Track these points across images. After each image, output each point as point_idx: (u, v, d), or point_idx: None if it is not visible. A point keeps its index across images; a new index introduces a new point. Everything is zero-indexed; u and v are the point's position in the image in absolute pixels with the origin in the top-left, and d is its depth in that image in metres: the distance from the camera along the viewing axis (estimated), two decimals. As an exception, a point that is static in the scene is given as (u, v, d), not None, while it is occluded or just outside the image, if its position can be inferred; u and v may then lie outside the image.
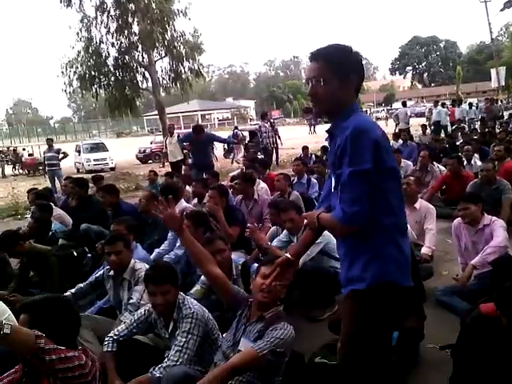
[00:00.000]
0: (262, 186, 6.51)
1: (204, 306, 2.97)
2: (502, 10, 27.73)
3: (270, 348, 2.25)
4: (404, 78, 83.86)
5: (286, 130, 23.83)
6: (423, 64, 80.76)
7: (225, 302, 2.64)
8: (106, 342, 2.72)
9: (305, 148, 11.82)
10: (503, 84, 29.53)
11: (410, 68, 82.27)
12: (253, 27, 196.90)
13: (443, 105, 18.45)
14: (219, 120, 62.52)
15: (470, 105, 19.70)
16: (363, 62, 1.97)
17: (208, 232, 4.09)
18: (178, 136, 11.19)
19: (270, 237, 4.62)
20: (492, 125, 14.67)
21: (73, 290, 3.58)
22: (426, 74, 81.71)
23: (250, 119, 57.03)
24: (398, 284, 1.81)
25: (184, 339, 2.50)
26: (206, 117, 63.81)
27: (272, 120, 12.23)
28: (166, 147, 11.15)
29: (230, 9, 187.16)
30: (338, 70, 1.81)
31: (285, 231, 4.29)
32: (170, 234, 4.66)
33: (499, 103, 20.72)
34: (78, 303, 3.53)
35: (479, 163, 7.43)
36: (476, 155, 7.99)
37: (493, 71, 28.19)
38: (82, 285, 3.63)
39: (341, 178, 1.75)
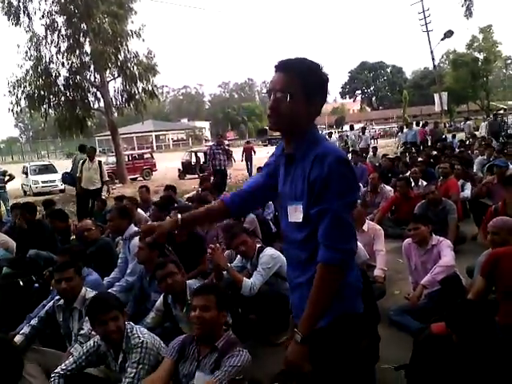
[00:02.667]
0: (217, 209, 6.48)
1: (159, 334, 2.89)
2: (442, 40, 29.37)
3: (229, 377, 2.23)
4: (354, 101, 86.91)
5: (240, 150, 24.05)
6: (371, 88, 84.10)
7: None
8: (52, 379, 2.57)
9: (259, 169, 11.91)
10: (445, 108, 31.19)
11: (360, 92, 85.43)
12: (207, 50, 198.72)
13: (418, 124, 20.06)
14: (174, 141, 62.18)
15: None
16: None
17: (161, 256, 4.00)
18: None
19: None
20: (437, 146, 15.34)
21: (25, 331, 3.28)
22: (374, 98, 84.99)
23: (206, 140, 57.03)
24: (359, 311, 1.73)
25: (134, 370, 2.41)
26: (161, 137, 63.27)
27: (225, 143, 12.28)
28: (82, 172, 9.96)
29: (184, 31, 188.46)
30: (308, 88, 1.63)
31: (238, 256, 4.26)
32: (119, 261, 4.52)
33: (442, 126, 21.88)
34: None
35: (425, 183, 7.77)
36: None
37: (436, 96, 29.67)
38: (32, 323, 3.35)
39: (324, 215, 1.57)
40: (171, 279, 3.21)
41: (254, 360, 2.53)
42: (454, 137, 20.24)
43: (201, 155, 21.81)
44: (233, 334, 2.51)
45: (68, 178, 12.44)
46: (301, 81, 1.62)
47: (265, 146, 29.03)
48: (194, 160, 22.09)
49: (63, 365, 2.64)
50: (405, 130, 21.72)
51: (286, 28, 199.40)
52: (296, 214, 1.68)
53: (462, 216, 6.68)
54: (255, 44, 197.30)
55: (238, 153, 18.69)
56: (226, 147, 12.04)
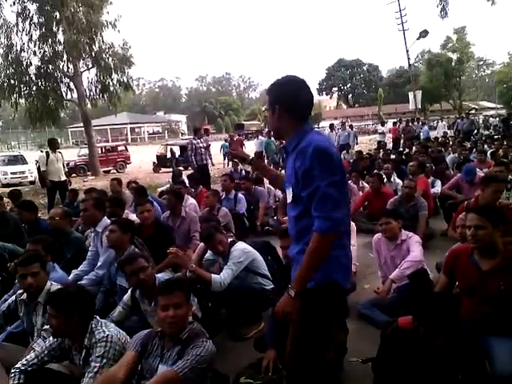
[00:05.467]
0: (190, 202, 6.42)
1: (126, 328, 2.84)
2: (418, 39, 29.82)
3: (191, 366, 2.21)
4: (330, 98, 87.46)
5: (218, 144, 23.97)
6: (348, 85, 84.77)
7: None
8: (12, 374, 2.50)
9: (234, 163, 11.87)
10: (419, 107, 31.76)
11: (336, 89, 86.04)
12: (185, 42, 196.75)
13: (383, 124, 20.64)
14: (149, 134, 61.43)
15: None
16: (306, 90, 2.10)
17: (132, 246, 3.94)
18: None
19: (200, 254, 4.55)
20: (409, 144, 15.60)
21: None
22: (350, 95, 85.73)
23: (182, 133, 56.57)
24: (341, 285, 2.04)
25: (98, 364, 2.36)
26: (136, 130, 62.41)
27: (205, 136, 11.92)
28: (47, 164, 9.78)
29: (161, 23, 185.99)
30: (284, 102, 2.06)
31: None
32: (89, 254, 4.42)
33: (416, 124, 22.25)
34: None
35: (398, 181, 7.88)
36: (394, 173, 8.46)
37: (410, 94, 30.17)
38: None
39: (314, 194, 1.90)
40: (143, 274, 3.15)
41: (222, 354, 2.52)
42: (430, 128, 20.76)
43: (176, 149, 21.64)
44: (198, 326, 2.48)
45: None
46: (277, 99, 2.09)
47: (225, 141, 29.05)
48: (169, 154, 21.89)
49: (24, 360, 2.56)
50: (380, 127, 22.04)
51: (265, 23, 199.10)
52: (289, 195, 2.09)
53: (433, 212, 6.81)
54: (233, 38, 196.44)
55: (215, 147, 18.45)
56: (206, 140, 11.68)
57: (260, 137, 19.57)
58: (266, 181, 8.76)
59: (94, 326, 2.51)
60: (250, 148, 18.70)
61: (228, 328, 3.80)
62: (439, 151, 12.06)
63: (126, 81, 20.38)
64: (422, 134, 20.11)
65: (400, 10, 29.32)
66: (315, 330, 2.01)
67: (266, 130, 20.41)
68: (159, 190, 9.81)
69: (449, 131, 23.48)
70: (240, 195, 7.14)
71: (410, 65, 33.17)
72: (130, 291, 3.35)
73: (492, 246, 2.72)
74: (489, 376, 2.51)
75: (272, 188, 8.20)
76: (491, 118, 34.74)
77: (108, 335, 2.44)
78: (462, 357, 2.42)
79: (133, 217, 5.12)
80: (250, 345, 3.32)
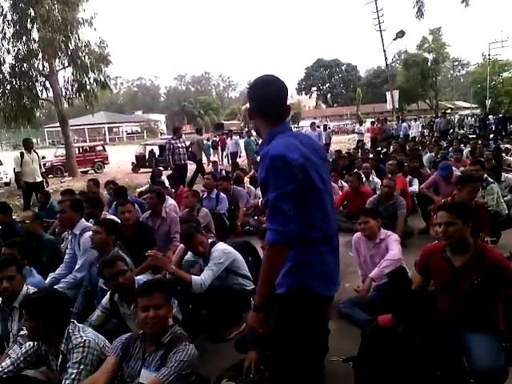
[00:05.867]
0: (170, 203, 6.37)
1: (106, 332, 2.80)
2: (394, 39, 30.22)
3: (176, 373, 2.19)
4: (309, 97, 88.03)
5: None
6: (327, 85, 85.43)
7: None
8: (-14, 382, 2.43)
9: (214, 163, 11.83)
10: (397, 106, 32.20)
11: (315, 88, 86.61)
12: (163, 41, 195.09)
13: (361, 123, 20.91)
14: (128, 133, 60.73)
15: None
16: (276, 90, 2.06)
17: (117, 248, 3.89)
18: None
19: (180, 255, 4.51)
20: (386, 144, 15.74)
21: None
22: (329, 95, 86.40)
23: (161, 133, 56.08)
24: (316, 291, 1.98)
25: (75, 371, 2.31)
26: (114, 130, 61.65)
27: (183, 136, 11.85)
28: (21, 165, 9.62)
29: (140, 21, 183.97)
30: (256, 104, 2.08)
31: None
32: (66, 256, 4.34)
33: (391, 123, 22.56)
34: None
35: (376, 180, 7.97)
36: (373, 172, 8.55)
37: (388, 94, 30.57)
38: None
39: (267, 205, 1.88)
40: (122, 278, 3.11)
41: (203, 356, 2.50)
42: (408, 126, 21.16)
43: (155, 148, 21.43)
44: (179, 329, 2.47)
45: None
46: (250, 100, 2.11)
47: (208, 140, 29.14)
48: (148, 153, 21.66)
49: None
50: (358, 127, 22.27)
51: (245, 23, 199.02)
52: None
53: (411, 211, 6.91)
54: (212, 37, 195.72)
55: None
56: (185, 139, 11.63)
57: (234, 137, 19.44)
58: (246, 180, 8.78)
59: (70, 330, 2.46)
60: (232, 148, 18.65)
61: (209, 330, 3.77)
62: (417, 150, 12.25)
63: (103, 79, 20.00)
64: (400, 132, 20.38)
65: (377, 11, 29.68)
66: (291, 335, 2.00)
67: (246, 129, 20.32)
68: (138, 190, 9.70)
69: (424, 130, 23.91)
70: (222, 195, 7.12)
71: (387, 65, 33.67)
72: (108, 294, 3.30)
73: (463, 242, 2.76)
74: (467, 372, 2.56)
75: (252, 188, 8.21)
76: (468, 118, 35.50)
77: (85, 340, 2.39)
78: (440, 353, 2.46)
79: (110, 218, 5.05)
80: (231, 346, 3.31)
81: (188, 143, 11.27)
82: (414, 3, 20.23)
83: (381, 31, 29.85)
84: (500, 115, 27.66)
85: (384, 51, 30.55)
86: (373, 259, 4.15)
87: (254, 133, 19.40)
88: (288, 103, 2.13)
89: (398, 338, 2.48)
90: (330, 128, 19.32)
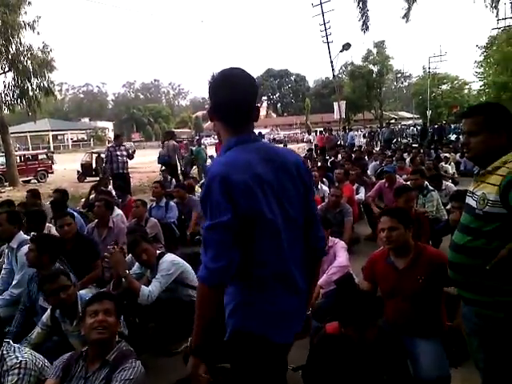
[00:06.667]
0: (117, 213, 6.17)
1: (47, 350, 2.67)
2: (341, 51, 31.08)
3: None
4: (260, 106, 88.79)
5: (148, 152, 23.39)
6: (277, 95, 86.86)
7: None
8: None
9: (164, 171, 11.63)
10: (344, 116, 33.18)
11: (266, 98, 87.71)
12: (111, 47, 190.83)
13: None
14: (73, 141, 58.85)
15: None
16: (230, 88, 1.66)
17: (55, 263, 3.70)
18: None
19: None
20: (334, 153, 16.14)
21: None
22: (279, 104, 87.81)
23: (109, 141, 54.67)
24: (258, 334, 1.67)
25: None
26: (59, 137, 59.51)
27: (126, 145, 11.55)
28: None
29: (87, 26, 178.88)
30: (214, 105, 1.71)
31: (137, 263, 4.08)
32: (3, 272, 4.10)
33: (337, 132, 23.32)
34: None
35: (325, 188, 8.14)
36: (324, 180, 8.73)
37: (335, 104, 31.38)
38: None
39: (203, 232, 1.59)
40: (64, 294, 2.97)
41: (151, 371, 2.43)
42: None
43: (103, 156, 20.82)
44: (125, 346, 2.38)
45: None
46: (210, 99, 1.70)
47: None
48: (94, 162, 21.00)
49: None
50: (307, 136, 22.76)
51: (195, 31, 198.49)
52: None
53: (358, 218, 7.10)
54: (162, 45, 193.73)
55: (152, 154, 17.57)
56: (127, 147, 11.31)
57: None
58: (197, 189, 8.68)
59: (5, 352, 2.31)
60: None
61: (156, 343, 3.67)
62: (362, 159, 12.64)
63: (46, 85, 19.26)
64: (347, 140, 21.07)
65: (324, 23, 30.38)
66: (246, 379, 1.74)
67: (197, 137, 20.10)
68: (82, 200, 9.34)
69: (363, 140, 24.93)
70: (172, 203, 7.00)
71: (334, 76, 34.49)
72: (49, 310, 3.14)
73: (405, 246, 2.88)
74: (411, 378, 2.63)
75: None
76: (410, 128, 37.16)
77: (21, 361, 2.26)
78: (385, 357, 2.52)
79: (53, 230, 4.83)
80: (179, 359, 3.23)
81: (129, 151, 10.92)
82: (360, 17, 21.03)
83: (328, 43, 30.62)
84: (435, 125, 29.22)
85: (331, 62, 31.34)
86: (321, 266, 4.20)
87: (204, 141, 19.31)
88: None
89: (346, 344, 2.52)
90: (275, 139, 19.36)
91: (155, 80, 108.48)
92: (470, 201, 2.05)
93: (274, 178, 1.64)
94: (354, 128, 30.26)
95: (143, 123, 69.68)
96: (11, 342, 2.38)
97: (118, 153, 10.41)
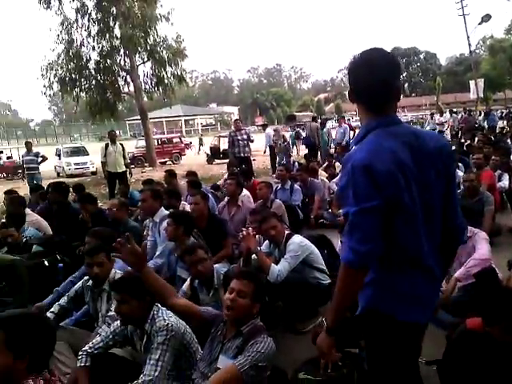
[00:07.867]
0: (244, 194, 6.43)
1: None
2: (479, 24, 28.23)
3: (251, 363, 2.20)
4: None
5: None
6: (404, 74, 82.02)
7: (194, 325, 2.59)
8: (79, 357, 2.61)
9: (288, 155, 11.79)
10: (481, 95, 30.18)
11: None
12: (236, 35, 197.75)
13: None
14: (203, 126, 62.44)
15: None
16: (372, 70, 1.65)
17: (190, 237, 3.99)
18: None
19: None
20: (469, 136, 14.82)
21: (55, 310, 3.37)
22: (406, 85, 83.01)
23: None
24: (387, 314, 1.69)
25: (159, 352, 2.38)
26: (190, 122, 63.68)
27: (246, 129, 11.97)
28: (105, 156, 10.32)
29: (213, 16, 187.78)
30: (350, 87, 1.75)
31: (266, 242, 4.20)
32: (148, 243, 4.54)
33: (477, 114, 21.24)
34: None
35: (460, 173, 7.48)
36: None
37: (471, 83, 28.75)
38: (62, 302, 3.42)
39: (348, 217, 1.61)
40: (202, 266, 3.23)
41: (279, 348, 2.48)
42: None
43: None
44: (260, 322, 2.47)
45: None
46: (349, 81, 1.75)
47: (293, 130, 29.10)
48: (222, 145, 22.11)
49: (91, 343, 2.66)
50: (438, 117, 21.16)
51: (317, 13, 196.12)
52: None
53: (500, 207, 6.44)
54: (284, 29, 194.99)
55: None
56: (248, 131, 11.69)
57: (267, 129, 17.33)
58: (320, 172, 8.65)
59: (155, 312, 2.55)
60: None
61: (285, 322, 3.76)
62: (503, 142, 11.38)
63: (179, 73, 20.68)
64: (485, 123, 19.10)
65: (461, -6, 27.87)
66: (378, 357, 1.79)
67: (320, 120, 19.86)
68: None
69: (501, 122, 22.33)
70: (296, 186, 7.10)
71: (470, 51, 31.58)
72: (189, 280, 3.41)
73: None
74: None
75: (326, 181, 8.08)
76: None
77: (168, 324, 2.46)
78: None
79: (187, 207, 5.19)
80: (306, 339, 3.27)
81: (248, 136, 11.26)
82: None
83: (464, 16, 28.03)
84: None
85: (467, 37, 28.65)
86: (458, 258, 3.88)
87: (328, 124, 18.95)
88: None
89: (489, 343, 2.31)
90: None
91: (277, 64, 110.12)
92: None
93: (414, 164, 1.61)
94: (492, 108, 27.34)
95: (266, 107, 71.27)
96: (159, 305, 2.63)
97: (239, 137, 10.85)
